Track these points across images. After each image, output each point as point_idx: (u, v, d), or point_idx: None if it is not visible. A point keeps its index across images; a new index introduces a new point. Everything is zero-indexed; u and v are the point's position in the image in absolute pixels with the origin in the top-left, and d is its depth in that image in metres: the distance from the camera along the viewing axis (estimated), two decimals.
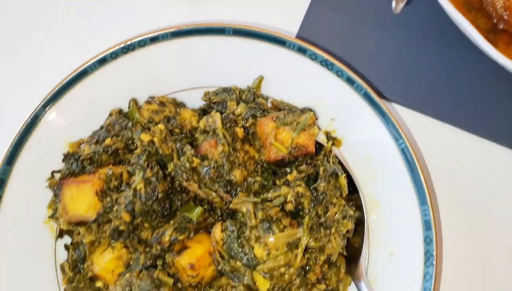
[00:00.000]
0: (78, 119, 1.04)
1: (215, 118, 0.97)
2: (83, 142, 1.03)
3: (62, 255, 1.03)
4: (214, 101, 1.07)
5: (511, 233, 1.07)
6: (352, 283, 1.01)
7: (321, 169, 0.98)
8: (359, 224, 1.02)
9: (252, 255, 0.89)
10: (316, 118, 1.03)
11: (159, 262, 0.94)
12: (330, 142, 1.05)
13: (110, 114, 1.05)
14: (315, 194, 0.96)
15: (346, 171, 1.02)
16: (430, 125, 1.13)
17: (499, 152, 1.11)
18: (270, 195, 0.96)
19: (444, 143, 1.12)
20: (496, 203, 1.08)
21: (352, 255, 1.01)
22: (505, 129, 1.11)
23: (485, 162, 1.10)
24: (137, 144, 0.97)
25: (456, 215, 1.07)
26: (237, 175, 0.95)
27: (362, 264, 1.00)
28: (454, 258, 1.04)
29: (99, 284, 0.99)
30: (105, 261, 0.97)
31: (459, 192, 1.08)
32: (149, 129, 0.98)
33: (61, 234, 1.02)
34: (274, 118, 0.99)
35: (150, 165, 0.94)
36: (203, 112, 1.07)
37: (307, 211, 0.95)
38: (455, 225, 1.07)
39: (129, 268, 0.97)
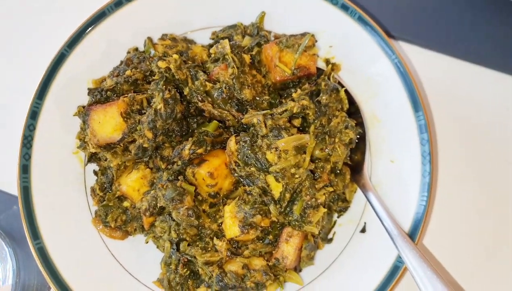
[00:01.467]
0: (99, 58, 1.14)
1: (224, 44, 1.07)
2: (105, 79, 1.13)
3: (91, 183, 1.13)
4: (221, 37, 1.17)
5: (498, 141, 1.16)
6: (358, 191, 1.11)
7: (323, 83, 1.07)
8: (361, 140, 1.11)
9: (265, 160, 0.99)
10: (316, 40, 1.12)
11: (180, 178, 1.04)
12: (330, 66, 1.14)
13: (128, 52, 1.15)
14: (318, 106, 1.06)
15: (346, 91, 1.11)
16: (430, 58, 1.21)
17: (493, 76, 1.19)
18: (278, 110, 1.05)
19: (442, 73, 1.20)
20: (488, 119, 1.16)
21: (356, 166, 1.11)
22: (499, 55, 1.19)
23: (479, 85, 1.19)
24: (155, 73, 1.07)
25: (452, 130, 1.16)
26: (246, 93, 1.05)
27: (366, 173, 1.09)
28: (449, 160, 1.13)
29: (126, 204, 1.09)
30: (131, 180, 1.07)
31: (455, 112, 1.17)
32: (164, 59, 1.08)
33: (90, 159, 1.11)
34: (277, 42, 1.09)
35: (168, 88, 1.04)
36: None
37: (312, 121, 1.05)
38: (451, 138, 1.15)
39: (153, 187, 1.06)
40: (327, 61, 1.16)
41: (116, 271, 1.08)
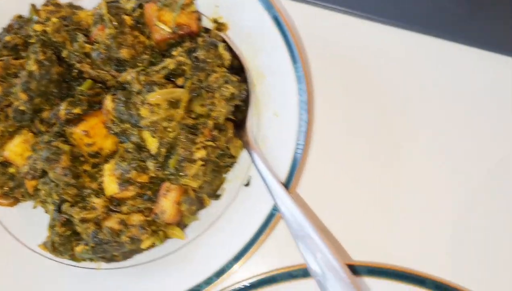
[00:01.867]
0: None
1: (102, 5, 1.07)
2: None
3: None
4: (108, 2, 1.17)
5: (376, 92, 1.15)
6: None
7: (200, 39, 1.07)
8: (246, 96, 1.12)
9: (137, 115, 0.99)
10: None
11: (58, 139, 1.03)
12: (216, 25, 1.15)
13: (12, 19, 1.15)
14: (196, 62, 1.06)
15: (230, 48, 1.12)
16: (311, 14, 1.20)
17: (370, 28, 1.18)
18: (155, 67, 1.05)
19: (324, 28, 1.20)
20: (368, 71, 1.16)
21: (241, 123, 1.11)
22: (380, 4, 1.19)
23: (359, 37, 1.18)
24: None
25: (332, 82, 1.16)
26: (124, 53, 1.05)
27: (248, 129, 1.09)
28: (328, 112, 1.14)
29: (12, 170, 1.08)
30: (14, 145, 1.06)
31: (334, 63, 1.17)
32: (43, 23, 1.08)
33: None
34: (156, 1, 1.09)
35: (43, 50, 1.04)
36: None
37: (190, 77, 1.05)
38: (330, 89, 1.16)
39: (35, 150, 1.06)
40: (215, 21, 1.17)
41: (3, 239, 1.08)
